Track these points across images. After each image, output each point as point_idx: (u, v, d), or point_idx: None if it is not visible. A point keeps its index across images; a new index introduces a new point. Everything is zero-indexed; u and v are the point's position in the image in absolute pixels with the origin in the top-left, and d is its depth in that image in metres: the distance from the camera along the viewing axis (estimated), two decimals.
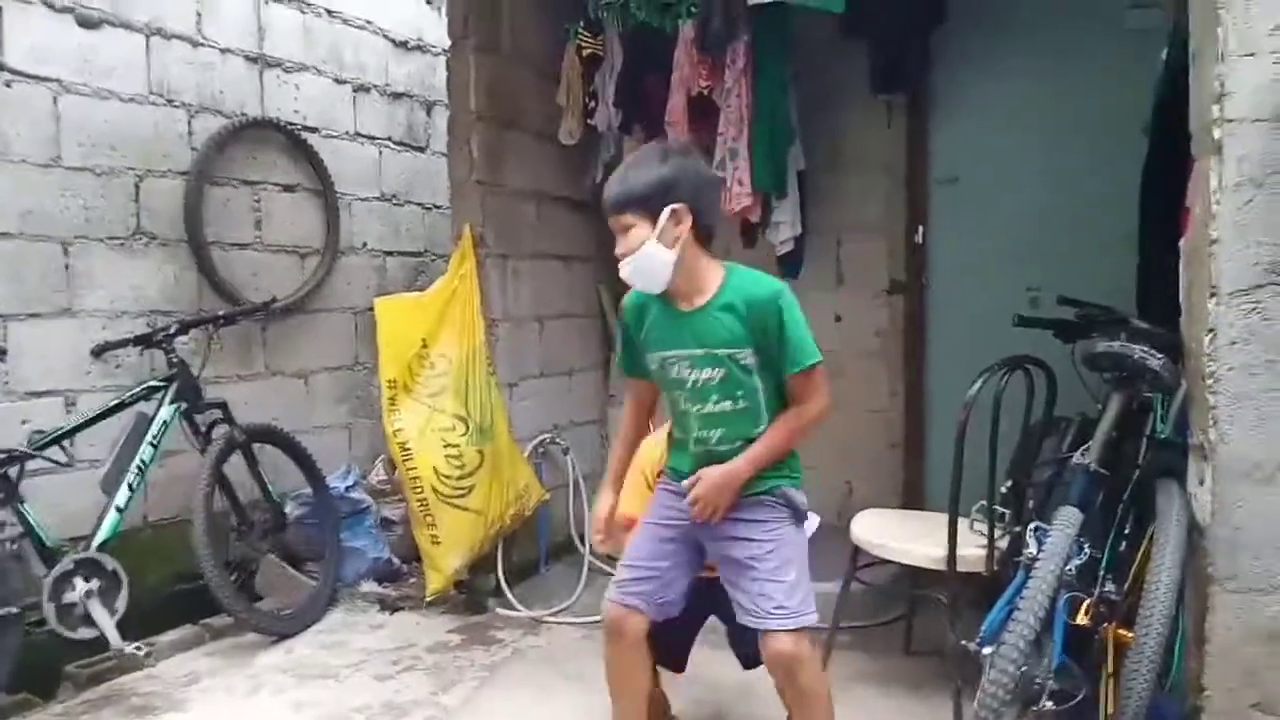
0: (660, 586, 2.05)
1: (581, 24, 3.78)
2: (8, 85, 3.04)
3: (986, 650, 2.02)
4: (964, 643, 2.13)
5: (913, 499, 3.95)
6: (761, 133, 3.53)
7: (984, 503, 2.55)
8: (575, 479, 4.10)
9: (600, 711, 2.73)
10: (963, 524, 2.57)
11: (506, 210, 3.84)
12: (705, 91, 3.58)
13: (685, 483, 1.98)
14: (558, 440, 4.08)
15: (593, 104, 3.86)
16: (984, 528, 2.56)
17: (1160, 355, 2.13)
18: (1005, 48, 3.76)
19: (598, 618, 3.33)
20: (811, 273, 3.95)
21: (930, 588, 2.78)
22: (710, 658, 2.79)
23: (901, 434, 4.07)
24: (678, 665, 2.45)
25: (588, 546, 3.99)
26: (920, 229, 3.99)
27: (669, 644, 2.31)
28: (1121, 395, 2.26)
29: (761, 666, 2.07)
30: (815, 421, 2.00)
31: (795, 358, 1.92)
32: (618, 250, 1.96)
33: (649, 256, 1.89)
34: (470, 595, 3.63)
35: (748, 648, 2.17)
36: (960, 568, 2.54)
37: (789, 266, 3.82)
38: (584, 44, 3.75)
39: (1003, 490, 2.58)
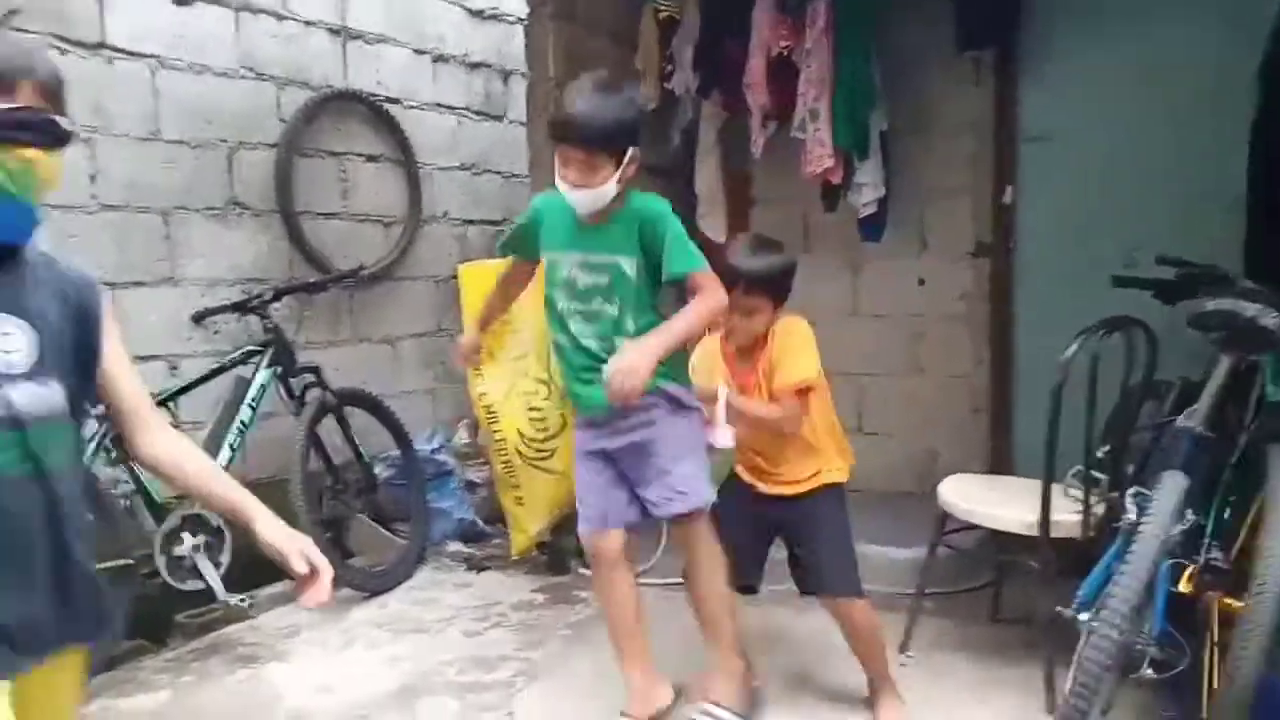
0: (608, 503, 2.32)
1: None
2: (110, 63, 3.16)
3: (1084, 616, 1.98)
4: (1059, 609, 2.10)
5: (999, 465, 3.87)
6: (843, 93, 3.47)
7: (1079, 468, 2.49)
8: None
9: (681, 671, 2.78)
10: (1056, 489, 2.52)
11: None
12: (785, 52, 3.53)
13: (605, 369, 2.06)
14: None
15: (670, 68, 3.84)
16: (1078, 493, 2.50)
17: (1275, 314, 2.04)
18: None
19: (678, 580, 3.37)
20: (894, 236, 3.88)
21: (1019, 554, 2.73)
22: (793, 622, 2.81)
23: (987, 399, 3.99)
24: (749, 589, 2.55)
25: None
26: (1008, 189, 3.87)
27: (740, 568, 2.44)
28: (1230, 356, 2.17)
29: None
30: (712, 310, 2.15)
31: (681, 259, 2.14)
32: (570, 177, 2.09)
33: (604, 194, 2.09)
34: (552, 556, 3.70)
35: (805, 574, 2.44)
36: (1054, 533, 2.48)
37: (871, 229, 3.76)
38: (661, 7, 3.73)
39: (1099, 455, 2.51)
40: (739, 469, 2.55)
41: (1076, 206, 3.72)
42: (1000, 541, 2.87)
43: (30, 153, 1.19)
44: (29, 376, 1.21)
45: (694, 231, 4.14)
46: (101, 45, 3.12)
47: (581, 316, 2.22)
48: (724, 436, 2.25)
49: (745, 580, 2.54)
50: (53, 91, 1.23)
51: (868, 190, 3.64)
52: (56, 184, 1.24)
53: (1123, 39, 3.59)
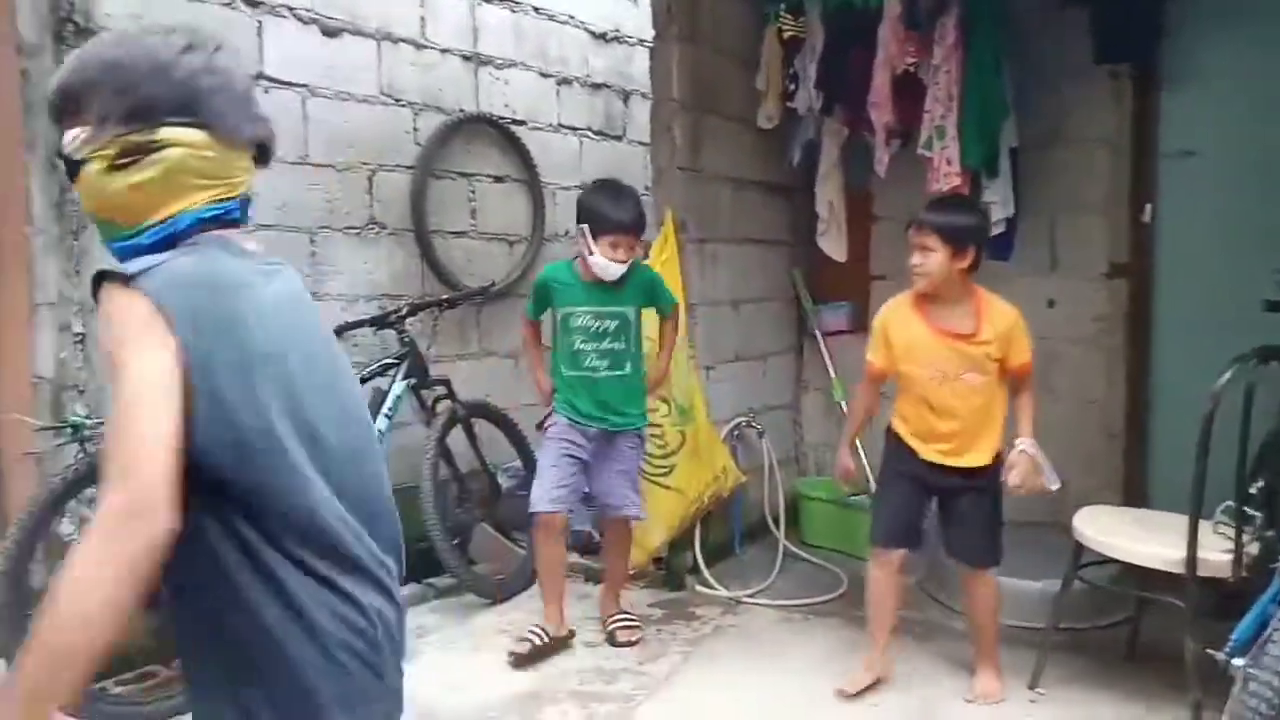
0: (572, 493, 3.10)
1: (783, 6, 3.77)
2: (266, 92, 3.38)
3: (1239, 662, 1.89)
4: (1210, 652, 2.00)
5: (1133, 497, 3.69)
6: (972, 109, 3.40)
7: (1230, 503, 2.37)
8: (771, 462, 4.12)
9: (802, 691, 2.78)
10: (1203, 525, 2.40)
11: (705, 196, 3.89)
12: (911, 69, 3.48)
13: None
14: (754, 423, 4.11)
15: (792, 87, 3.84)
16: (1229, 530, 2.38)
17: None
18: (1248, 9, 3.42)
19: (796, 601, 3.40)
20: (1023, 255, 3.77)
21: (1158, 591, 2.61)
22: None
23: (1121, 426, 3.82)
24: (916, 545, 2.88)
25: (782, 531, 4.01)
26: (1147, 207, 3.71)
27: (900, 531, 2.80)
28: None
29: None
30: (676, 329, 3.30)
31: (667, 304, 3.21)
32: (619, 257, 2.98)
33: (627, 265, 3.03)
34: (669, 572, 3.73)
35: (953, 541, 2.79)
36: (1201, 572, 2.37)
37: (999, 248, 3.65)
38: (785, 26, 3.74)
39: (1252, 490, 2.38)
40: (910, 439, 2.75)
41: (1222, 225, 3.53)
42: (1138, 577, 2.75)
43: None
44: None
45: (816, 249, 4.15)
46: (260, 76, 3.34)
47: (596, 352, 3.05)
48: (1053, 478, 2.64)
49: (904, 544, 2.80)
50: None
51: (996, 209, 3.55)
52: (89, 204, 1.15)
53: (1271, 50, 3.40)
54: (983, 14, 3.37)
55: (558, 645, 3.08)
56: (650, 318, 3.24)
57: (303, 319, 1.20)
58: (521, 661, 2.96)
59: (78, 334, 2.91)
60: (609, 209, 2.99)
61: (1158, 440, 3.74)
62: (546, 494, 3.04)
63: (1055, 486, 2.63)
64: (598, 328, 3.05)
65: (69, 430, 2.65)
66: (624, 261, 2.98)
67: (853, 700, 2.71)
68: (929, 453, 2.70)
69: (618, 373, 3.07)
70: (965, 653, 2.87)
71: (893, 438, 2.81)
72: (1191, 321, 3.58)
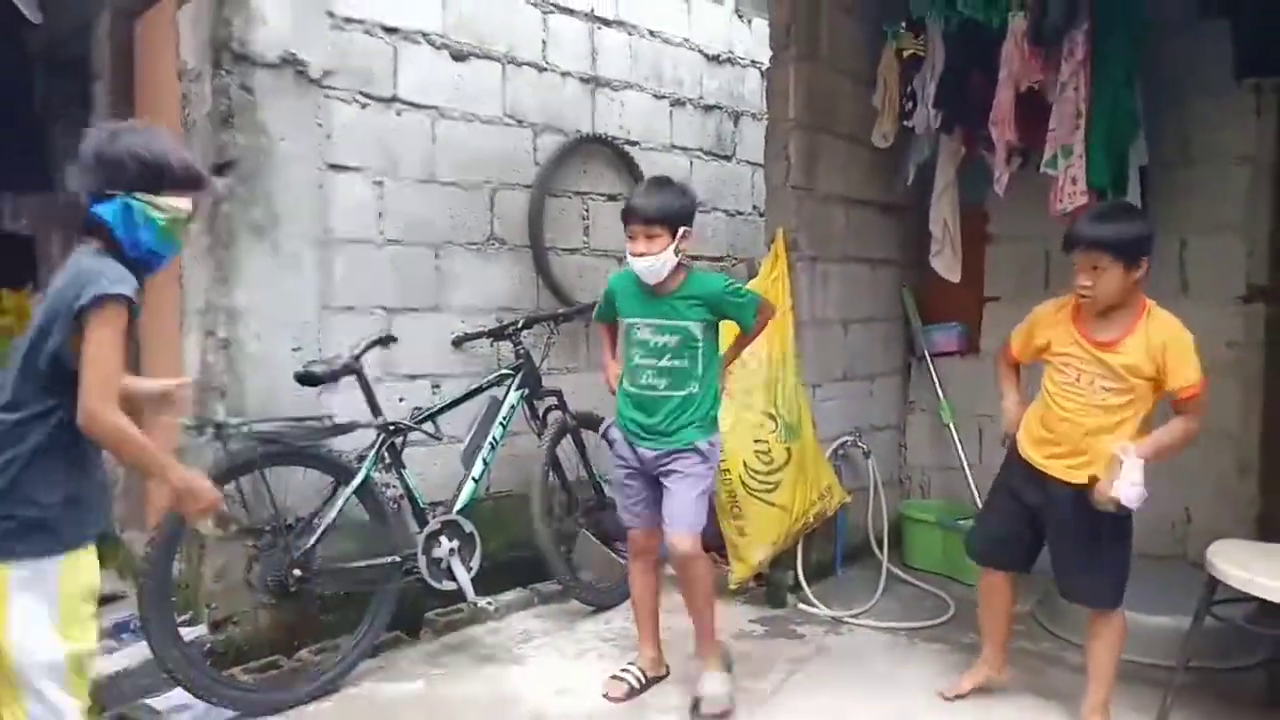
0: (647, 508, 2.85)
1: (903, 24, 3.75)
2: (399, 114, 3.56)
3: None
4: None
5: (1269, 533, 3.49)
6: (1100, 127, 3.30)
7: None
8: (875, 483, 4.07)
9: (907, 715, 2.73)
10: None
11: (818, 214, 3.89)
12: (1035, 86, 3.41)
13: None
14: (859, 443, 4.07)
15: (909, 105, 3.81)
16: None
17: None
18: None
19: (901, 624, 3.35)
20: (1151, 278, 3.61)
21: None
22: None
23: (1257, 458, 3.62)
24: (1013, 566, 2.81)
25: (885, 552, 3.95)
26: None
27: (1006, 554, 2.77)
28: None
29: None
30: (763, 326, 2.94)
31: (748, 312, 2.81)
32: (638, 249, 2.68)
33: (664, 261, 2.67)
34: (770, 589, 3.72)
35: (1072, 591, 2.65)
36: None
37: None
38: (904, 45, 3.71)
39: None
40: (1026, 445, 2.67)
41: None
42: (1277, 617, 2.60)
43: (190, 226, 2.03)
44: None
45: (927, 269, 4.09)
46: (394, 99, 3.53)
47: (654, 370, 2.76)
48: (1132, 495, 2.37)
49: (998, 564, 2.76)
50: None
51: None
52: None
53: None
54: (1114, 27, 3.27)
55: (653, 685, 2.91)
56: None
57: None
58: (616, 702, 2.84)
59: (223, 339, 3.11)
60: (632, 198, 2.77)
61: None
62: (623, 513, 2.95)
63: (1132, 505, 2.37)
64: (656, 344, 2.74)
65: (212, 429, 2.83)
66: (643, 255, 2.64)
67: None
68: (1041, 460, 2.60)
69: (680, 393, 2.73)
70: (1079, 686, 2.76)
71: (1010, 448, 2.75)
72: None
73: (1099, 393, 2.51)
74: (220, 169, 3.09)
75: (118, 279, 1.80)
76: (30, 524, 1.78)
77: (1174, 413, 2.51)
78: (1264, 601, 2.49)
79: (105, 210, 1.86)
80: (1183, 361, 2.44)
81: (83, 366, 1.76)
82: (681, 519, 2.72)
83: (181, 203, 1.92)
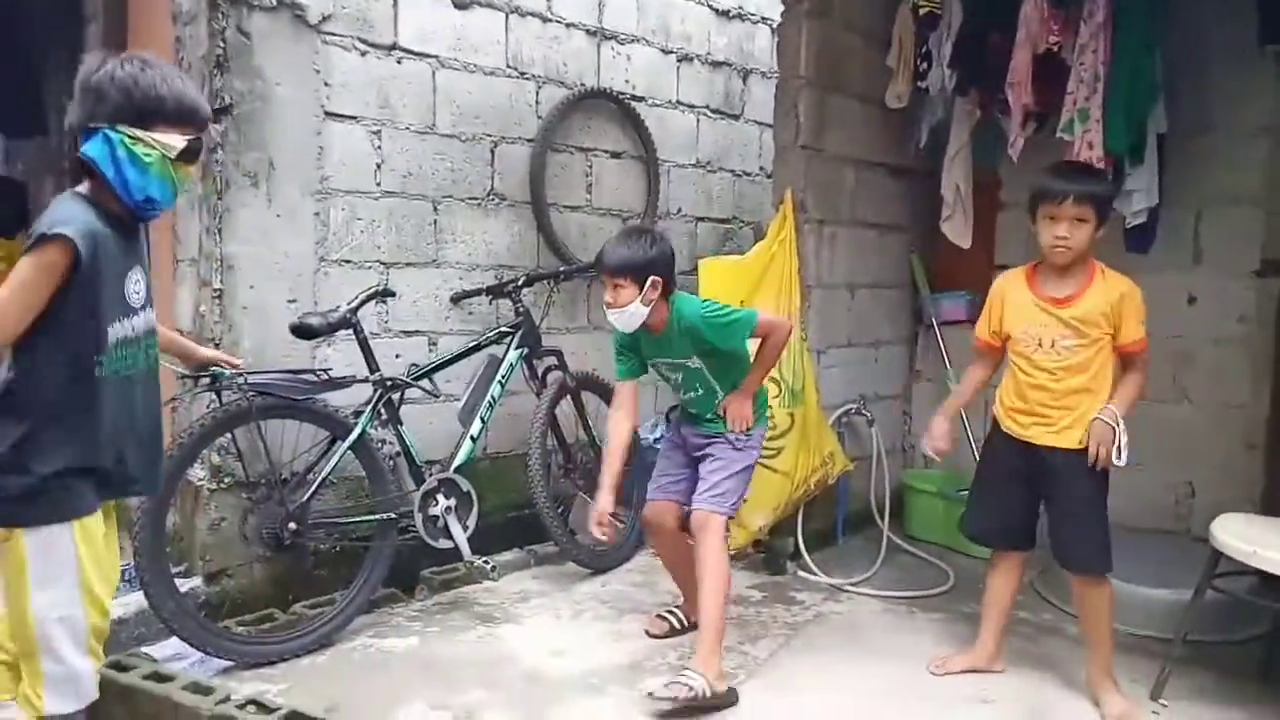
0: (675, 482, 2.90)
1: None
2: (399, 62, 3.47)
3: None
4: None
5: (1274, 508, 3.45)
6: (1119, 92, 3.22)
7: None
8: (879, 452, 4.03)
9: (904, 683, 2.71)
10: None
11: (827, 176, 3.82)
12: (1054, 49, 3.32)
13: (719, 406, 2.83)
14: (863, 411, 4.03)
15: (924, 66, 3.72)
16: None
17: None
18: None
19: (901, 593, 3.32)
20: (1163, 248, 3.57)
21: None
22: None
23: (1263, 435, 3.58)
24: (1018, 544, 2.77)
25: (886, 522, 3.92)
26: None
27: (1009, 531, 2.74)
28: None
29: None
30: (777, 346, 2.82)
31: (738, 337, 2.74)
32: (608, 299, 2.70)
33: (631, 314, 2.66)
34: (769, 555, 3.70)
35: (1069, 559, 2.61)
36: None
37: (1139, 240, 3.48)
38: (921, 2, 3.61)
39: None
40: (1005, 418, 2.67)
41: None
42: (1278, 590, 2.58)
43: (192, 168, 1.91)
44: (145, 307, 1.90)
45: (937, 235, 4.01)
46: (394, 47, 3.43)
47: (689, 396, 2.86)
48: (1123, 455, 2.48)
49: (1003, 544, 2.75)
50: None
51: (1139, 198, 3.37)
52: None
53: None
54: None
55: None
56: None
57: None
58: (655, 638, 2.98)
59: (216, 289, 3.05)
60: (603, 247, 2.81)
61: None
62: (651, 484, 3.00)
63: (1121, 463, 2.47)
64: (673, 379, 2.85)
65: (208, 380, 2.78)
66: (615, 306, 2.64)
67: (960, 694, 2.64)
68: (1023, 430, 2.60)
69: (713, 400, 2.81)
70: (1078, 657, 2.75)
71: (992, 423, 2.74)
72: None
73: (1062, 352, 2.54)
74: (215, 114, 3.00)
75: (62, 220, 1.71)
76: (31, 491, 1.74)
77: (1123, 369, 2.56)
78: (1266, 575, 2.47)
79: (90, 147, 1.77)
80: (1135, 315, 2.52)
81: None
82: (702, 497, 2.74)
83: (170, 138, 1.80)
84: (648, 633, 3.00)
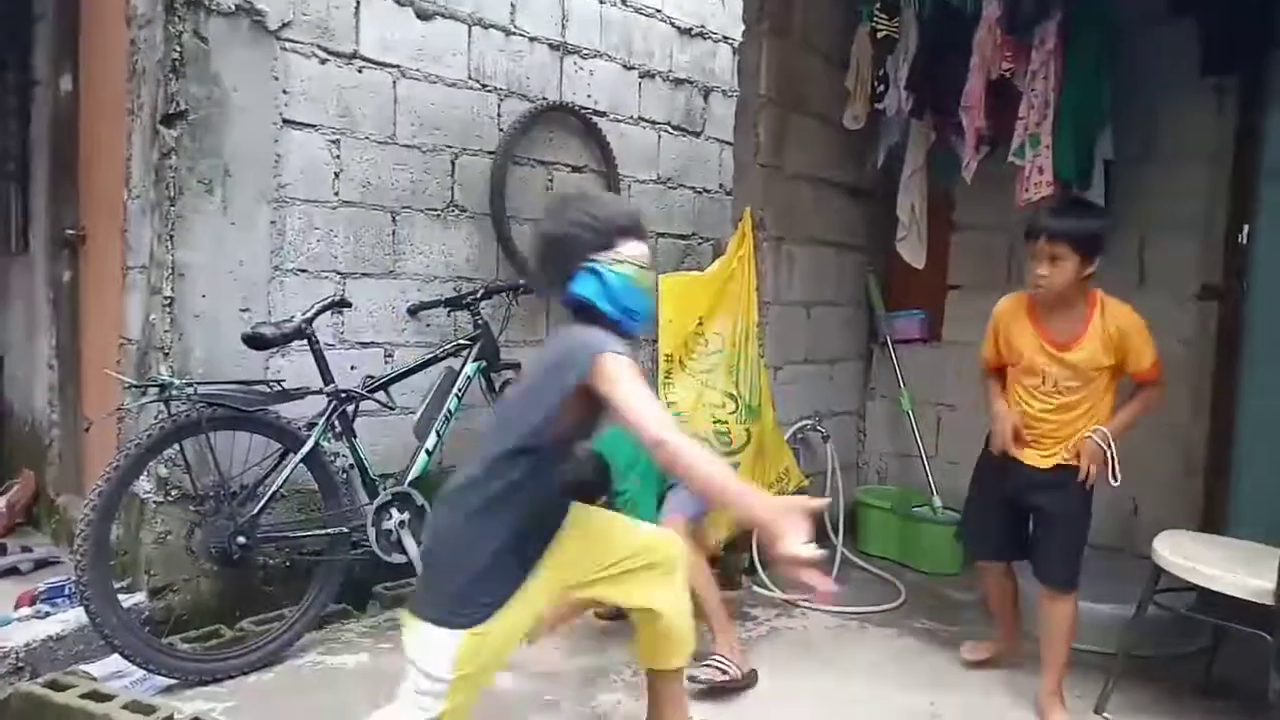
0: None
1: (877, 5, 3.72)
2: (360, 71, 3.44)
3: None
4: None
5: (1212, 527, 3.56)
6: (1069, 118, 3.31)
7: None
8: (833, 468, 4.07)
9: (856, 697, 2.74)
10: None
11: (786, 194, 3.87)
12: (1007, 74, 3.40)
13: None
14: (818, 428, 4.07)
15: (881, 88, 3.79)
16: None
17: None
18: None
19: (854, 608, 3.36)
20: (1110, 272, 3.59)
21: (1238, 622, 2.51)
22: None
23: (1203, 454, 3.69)
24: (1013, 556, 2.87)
25: (840, 537, 3.96)
26: (1245, 228, 3.57)
27: (998, 546, 2.86)
28: None
29: None
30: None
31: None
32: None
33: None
34: (724, 570, 3.70)
35: (1041, 570, 2.68)
36: None
37: None
38: (878, 26, 3.68)
39: None
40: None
41: None
42: (1217, 606, 2.65)
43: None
44: None
45: (892, 255, 4.08)
46: (355, 55, 3.40)
47: None
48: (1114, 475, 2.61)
49: (998, 558, 2.85)
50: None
51: None
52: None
53: None
54: (1086, 20, 3.28)
55: (743, 685, 2.77)
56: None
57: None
58: (704, 695, 2.72)
59: (168, 297, 2.99)
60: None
61: (1241, 472, 3.60)
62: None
63: (1116, 483, 2.58)
64: None
65: (157, 389, 2.72)
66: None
67: (911, 707, 2.67)
68: (1016, 451, 2.70)
69: None
70: (1032, 673, 2.80)
71: (986, 442, 2.84)
72: None
73: (1064, 391, 2.62)
74: (169, 120, 2.96)
75: (606, 340, 1.81)
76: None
77: (1136, 386, 2.65)
78: (1205, 590, 2.54)
79: (580, 286, 1.90)
80: (1142, 346, 2.58)
81: (624, 409, 1.72)
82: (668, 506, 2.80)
83: (638, 250, 1.96)
84: (694, 681, 2.70)
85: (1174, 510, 3.65)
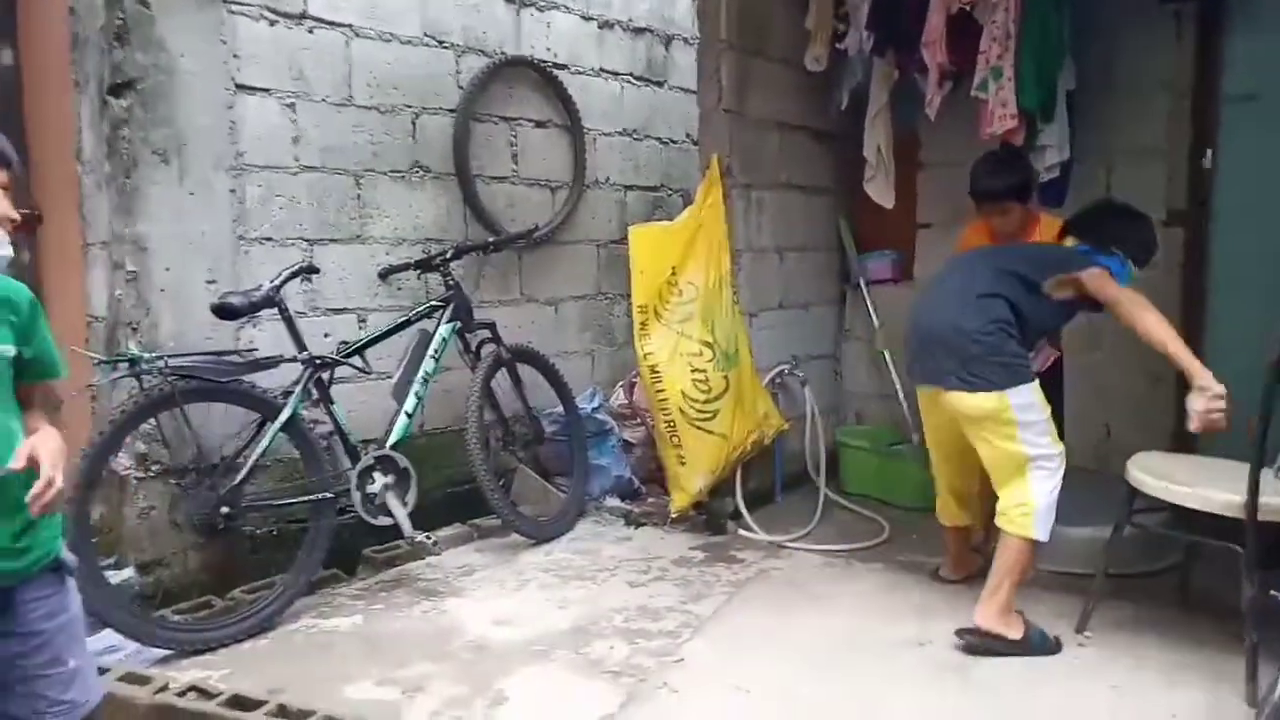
0: None
1: None
2: (310, 32, 3.36)
3: None
4: (1275, 593, 1.98)
5: (1182, 447, 3.64)
6: (1030, 50, 3.31)
7: None
8: (811, 411, 4.11)
9: (845, 631, 2.79)
10: (1264, 474, 2.36)
11: (751, 140, 3.84)
12: (966, 8, 3.39)
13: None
14: (796, 372, 4.10)
15: (842, 28, 3.76)
16: None
17: None
18: None
19: (839, 546, 3.40)
20: (1076, 201, 3.65)
21: (1211, 537, 2.58)
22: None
23: (1173, 377, 3.74)
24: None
25: (823, 478, 4.01)
26: (1208, 153, 3.61)
27: None
28: None
29: None
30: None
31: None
32: None
33: None
34: (710, 517, 3.75)
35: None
36: (1262, 516, 2.33)
37: (1053, 194, 3.58)
38: None
39: None
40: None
41: None
42: (1191, 523, 2.72)
43: None
44: None
45: (861, 196, 4.08)
46: (304, 15, 3.32)
47: None
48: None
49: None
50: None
51: (1051, 153, 3.48)
52: None
53: None
54: None
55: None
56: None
57: None
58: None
59: (131, 272, 2.94)
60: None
61: None
62: None
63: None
64: None
65: (127, 364, 2.68)
66: None
67: (899, 638, 2.73)
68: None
69: None
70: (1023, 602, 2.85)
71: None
72: (1250, 269, 3.50)
73: None
74: (117, 90, 2.88)
75: None
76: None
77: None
78: (1178, 508, 2.60)
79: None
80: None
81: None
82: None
83: None
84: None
85: (1146, 433, 3.72)
